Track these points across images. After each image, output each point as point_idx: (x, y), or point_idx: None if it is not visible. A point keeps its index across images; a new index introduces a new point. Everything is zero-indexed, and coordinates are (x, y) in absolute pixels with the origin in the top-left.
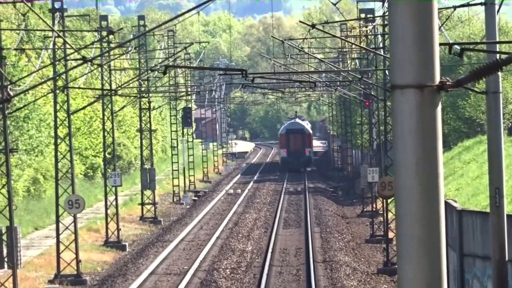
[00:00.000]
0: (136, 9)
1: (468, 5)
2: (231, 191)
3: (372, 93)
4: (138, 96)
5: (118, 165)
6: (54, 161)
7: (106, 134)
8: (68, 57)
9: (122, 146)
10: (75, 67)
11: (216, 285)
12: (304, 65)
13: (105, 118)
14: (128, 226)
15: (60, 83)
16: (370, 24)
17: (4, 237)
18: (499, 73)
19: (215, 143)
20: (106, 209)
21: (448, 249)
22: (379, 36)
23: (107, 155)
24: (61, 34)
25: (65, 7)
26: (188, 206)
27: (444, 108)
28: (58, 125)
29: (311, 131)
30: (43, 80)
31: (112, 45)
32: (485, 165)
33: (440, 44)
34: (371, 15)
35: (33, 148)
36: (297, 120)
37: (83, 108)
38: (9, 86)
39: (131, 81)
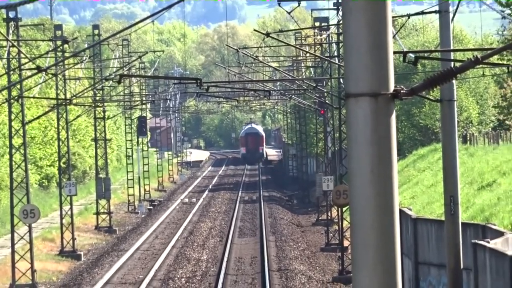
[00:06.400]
0: (91, 18)
1: (422, 13)
2: (186, 200)
3: (327, 101)
4: (93, 105)
5: (73, 175)
6: (8, 171)
7: (60, 143)
8: (22, 67)
9: (77, 156)
10: (29, 76)
11: None
12: (258, 73)
13: (60, 127)
14: (83, 236)
15: (14, 92)
16: (324, 32)
17: None
18: (454, 81)
19: (170, 152)
20: (61, 218)
21: (403, 257)
22: (334, 45)
23: (62, 165)
24: (15, 43)
25: (19, 16)
26: (143, 215)
27: (398, 116)
28: (12, 135)
29: (263, 134)
30: None
31: (67, 55)
32: (440, 173)
33: (395, 52)
34: (326, 24)
35: None
36: (253, 125)
37: (38, 117)
38: None
39: (85, 91)
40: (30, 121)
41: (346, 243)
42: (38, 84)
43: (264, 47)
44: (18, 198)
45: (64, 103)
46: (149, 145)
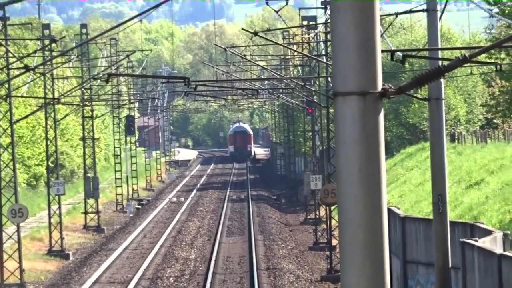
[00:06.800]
0: (79, 18)
1: (410, 12)
2: (174, 199)
3: (315, 100)
4: (81, 104)
5: (61, 174)
6: None
7: (49, 142)
8: (10, 66)
9: (65, 155)
10: (17, 75)
11: None
12: (246, 72)
13: (48, 126)
14: (72, 235)
15: (2, 92)
16: (312, 31)
17: None
18: (442, 80)
19: (158, 151)
20: (50, 218)
21: (391, 256)
22: (322, 43)
23: (50, 164)
24: (3, 42)
25: (7, 15)
26: (131, 215)
27: (386, 115)
28: (0, 134)
29: (251, 132)
30: None
31: (55, 54)
32: (428, 172)
33: (382, 51)
34: (314, 22)
35: None
36: (241, 124)
37: (26, 117)
38: None
39: (73, 90)
40: (18, 120)
41: (334, 242)
42: (26, 83)
43: (252, 46)
44: (6, 198)
45: (52, 102)
46: (137, 144)
